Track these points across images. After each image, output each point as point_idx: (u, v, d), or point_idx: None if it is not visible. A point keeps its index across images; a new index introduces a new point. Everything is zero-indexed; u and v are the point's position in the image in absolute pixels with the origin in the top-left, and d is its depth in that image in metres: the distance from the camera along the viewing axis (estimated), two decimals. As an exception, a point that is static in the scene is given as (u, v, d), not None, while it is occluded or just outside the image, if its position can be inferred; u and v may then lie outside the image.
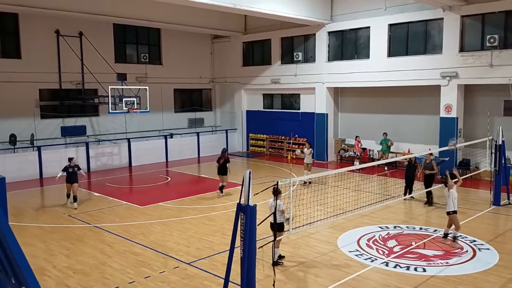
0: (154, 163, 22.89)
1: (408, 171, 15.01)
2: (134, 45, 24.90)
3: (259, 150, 26.54)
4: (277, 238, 8.34)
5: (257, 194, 6.81)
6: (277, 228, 8.38)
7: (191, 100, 27.54)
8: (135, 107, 19.82)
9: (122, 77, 20.31)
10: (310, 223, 10.79)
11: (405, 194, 14.72)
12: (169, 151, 23.98)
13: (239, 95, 27.23)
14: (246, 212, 6.55)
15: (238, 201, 6.70)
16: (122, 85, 20.18)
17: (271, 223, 8.29)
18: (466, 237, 10.92)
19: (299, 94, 24.72)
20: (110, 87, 19.64)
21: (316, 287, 8.33)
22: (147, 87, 20.89)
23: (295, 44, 24.25)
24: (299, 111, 24.75)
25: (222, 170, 15.52)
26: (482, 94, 18.77)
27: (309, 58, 23.51)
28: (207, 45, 27.97)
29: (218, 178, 15.84)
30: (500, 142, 13.92)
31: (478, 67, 17.54)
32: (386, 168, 20.43)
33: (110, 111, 19.93)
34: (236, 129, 27.46)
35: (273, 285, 6.96)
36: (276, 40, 24.88)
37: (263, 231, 7.27)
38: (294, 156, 21.08)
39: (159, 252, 10.24)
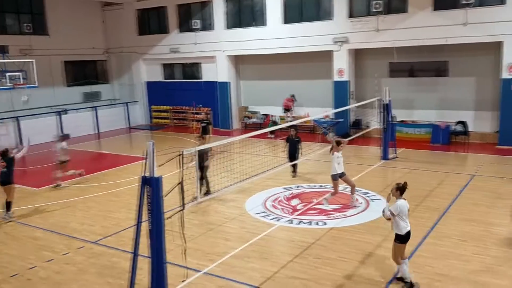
0: (48, 142, 21.34)
1: (291, 148, 13.86)
2: (14, 14, 22.53)
3: (163, 122, 26.01)
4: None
5: (161, 165, 6.72)
6: None
7: (84, 73, 25.86)
8: (21, 82, 18.15)
9: (2, 50, 18.38)
10: (218, 190, 10.96)
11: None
12: (64, 129, 22.46)
13: (137, 66, 26.18)
14: (151, 184, 6.47)
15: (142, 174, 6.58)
16: (4, 59, 18.29)
17: None
18: (360, 190, 11.90)
19: (200, 63, 24.46)
20: (-12, 61, 17.73)
21: (226, 250, 8.59)
22: (34, 60, 19.17)
23: (193, 12, 23.74)
24: (201, 80, 24.56)
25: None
26: (370, 58, 20.16)
27: (208, 26, 23.22)
28: (97, 13, 26.23)
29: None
30: (387, 102, 15.15)
31: (366, 32, 18.73)
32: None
33: (-8, 87, 18.05)
34: (137, 101, 26.50)
35: (184, 253, 7.04)
36: (172, 7, 24.13)
37: (171, 202, 7.25)
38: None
39: (61, 234, 9.76)
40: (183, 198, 6.95)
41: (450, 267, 7.36)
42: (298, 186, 12.73)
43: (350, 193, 11.08)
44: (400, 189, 6.91)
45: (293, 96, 21.53)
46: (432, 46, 17.66)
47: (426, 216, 9.90)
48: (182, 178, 8.28)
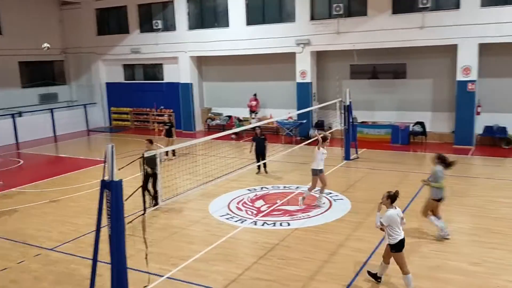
0: (1, 146, 20.45)
1: (258, 146, 13.99)
2: (-37, 11, 21.49)
3: (123, 124, 25.43)
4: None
5: (121, 168, 6.52)
6: None
7: (41, 74, 24.94)
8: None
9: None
10: (180, 193, 10.77)
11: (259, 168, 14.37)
12: (18, 132, 21.60)
13: (96, 67, 25.50)
14: (111, 188, 6.26)
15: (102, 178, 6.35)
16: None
17: None
18: (325, 191, 11.99)
19: (162, 64, 24.09)
20: None
21: (189, 254, 8.44)
22: (-15, 60, 18.32)
23: (154, 12, 23.36)
24: (163, 81, 24.19)
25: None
26: (332, 60, 20.45)
27: (170, 26, 22.91)
28: (55, 12, 25.36)
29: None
30: (348, 103, 15.40)
31: (328, 35, 18.99)
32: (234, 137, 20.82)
33: None
34: (95, 103, 25.78)
35: (146, 258, 6.86)
36: (132, 7, 23.67)
37: (132, 207, 7.05)
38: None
39: (16, 242, 9.32)
40: (144, 202, 6.78)
41: (410, 264, 7.49)
42: (262, 188, 12.71)
43: (314, 193, 11.16)
44: (391, 198, 6.66)
45: (255, 95, 21.56)
46: (391, 48, 18.10)
47: (387, 214, 10.10)
48: (143, 181, 8.12)
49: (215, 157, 15.24)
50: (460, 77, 17.02)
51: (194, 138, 21.37)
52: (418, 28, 17.13)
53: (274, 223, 9.92)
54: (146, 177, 10.56)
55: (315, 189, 11.09)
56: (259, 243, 8.92)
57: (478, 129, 17.54)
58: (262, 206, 11.12)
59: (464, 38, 16.57)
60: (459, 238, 8.80)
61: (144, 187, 10.15)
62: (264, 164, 14.13)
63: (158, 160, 8.48)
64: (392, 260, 6.84)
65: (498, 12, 15.95)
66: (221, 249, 8.65)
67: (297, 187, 12.56)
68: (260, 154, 13.94)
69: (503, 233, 8.92)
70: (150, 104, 24.07)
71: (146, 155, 6.94)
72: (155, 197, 10.87)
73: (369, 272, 7.21)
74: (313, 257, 8.14)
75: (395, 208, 6.68)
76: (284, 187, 12.78)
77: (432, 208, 8.74)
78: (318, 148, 10.76)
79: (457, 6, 16.71)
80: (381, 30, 17.77)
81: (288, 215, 10.42)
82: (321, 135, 11.09)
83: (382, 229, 6.77)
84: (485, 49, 16.86)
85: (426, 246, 8.45)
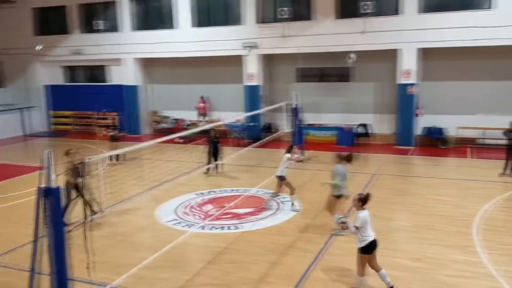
0: None
1: (212, 148, 14.35)
2: None
3: (65, 128, 24.36)
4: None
5: (59, 175, 6.20)
6: None
7: (-27, 76, 23.41)
8: None
9: None
10: (126, 199, 10.45)
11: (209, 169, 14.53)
12: (-51, 137, 20.13)
13: (34, 68, 24.30)
14: (49, 196, 5.92)
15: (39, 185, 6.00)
16: None
17: None
18: (271, 192, 12.05)
19: (106, 66, 23.34)
20: None
21: (136, 261, 8.15)
22: None
23: (97, 12, 22.61)
24: (108, 84, 23.42)
25: None
26: (280, 63, 20.67)
27: (113, 27, 22.24)
28: (-13, 10, 23.92)
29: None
30: (295, 106, 15.61)
31: (274, 38, 19.17)
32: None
33: None
34: (34, 106, 24.51)
35: (87, 268, 6.55)
36: (73, 7, 22.81)
37: (74, 215, 6.72)
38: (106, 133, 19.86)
39: None
40: (85, 209, 6.49)
41: (355, 263, 7.65)
42: (210, 192, 12.58)
43: (265, 196, 11.21)
44: (363, 200, 6.66)
45: (203, 97, 21.36)
46: (337, 52, 18.55)
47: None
48: (81, 190, 7.77)
49: (162, 161, 14.93)
50: (401, 80, 17.73)
51: (140, 142, 20.87)
52: (361, 33, 17.69)
53: (223, 227, 9.83)
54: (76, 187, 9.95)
55: (280, 194, 11.10)
56: (208, 247, 8.80)
57: (419, 130, 18.35)
58: (210, 210, 10.99)
59: (404, 43, 17.30)
60: (401, 235, 9.12)
61: (82, 195, 9.52)
62: (217, 166, 14.37)
63: (82, 169, 7.91)
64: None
65: (436, 18, 16.77)
66: (169, 256, 8.43)
67: (245, 190, 12.53)
68: (214, 156, 14.26)
69: (441, 230, 9.34)
70: (93, 107, 23.22)
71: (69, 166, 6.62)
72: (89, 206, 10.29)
73: None
74: (263, 259, 8.13)
75: (366, 210, 6.68)
76: (232, 190, 12.71)
77: (331, 203, 9.19)
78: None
79: (397, 12, 17.43)
80: (326, 35, 18.19)
81: (237, 218, 10.36)
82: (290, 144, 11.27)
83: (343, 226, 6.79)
84: (424, 54, 17.68)
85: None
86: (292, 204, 10.86)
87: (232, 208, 11.00)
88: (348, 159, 9.32)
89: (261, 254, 8.34)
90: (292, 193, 10.82)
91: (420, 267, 7.70)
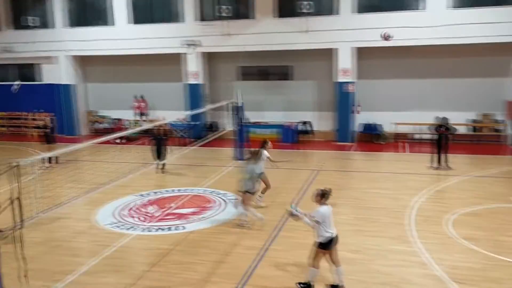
0: None
1: (158, 145, 14.24)
2: None
3: (-5, 130, 22.93)
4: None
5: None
6: None
7: None
8: None
9: None
10: (63, 203, 10.02)
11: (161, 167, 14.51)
12: None
13: (-43, 67, 22.65)
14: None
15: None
16: None
17: None
18: (219, 192, 12.05)
19: (40, 64, 22.20)
20: None
21: (75, 267, 7.85)
22: None
23: (28, 7, 21.43)
24: (41, 82, 22.30)
25: None
26: (222, 61, 20.63)
27: (47, 23, 21.20)
28: None
29: None
30: (239, 104, 15.65)
31: (216, 36, 19.11)
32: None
33: None
34: (-41, 108, 22.89)
35: (24, 276, 6.21)
36: (1, 1, 21.45)
37: (4, 222, 6.34)
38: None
39: None
40: (15, 215, 6.14)
41: (301, 257, 7.81)
42: (154, 192, 12.34)
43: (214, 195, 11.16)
44: (322, 195, 6.54)
45: (142, 96, 20.89)
46: (278, 51, 18.80)
47: (276, 211, 10.44)
48: (19, 192, 7.34)
49: (102, 163, 14.45)
50: (338, 79, 18.29)
51: (78, 143, 20.05)
52: (301, 32, 18.04)
53: (169, 228, 9.67)
54: None
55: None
56: (152, 250, 8.63)
57: (358, 127, 19.03)
58: (155, 211, 10.78)
59: (341, 42, 17.87)
60: (342, 229, 9.30)
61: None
62: (163, 164, 14.17)
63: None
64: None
65: (371, 18, 17.45)
66: (111, 260, 8.18)
67: (191, 190, 12.42)
68: (158, 153, 14.10)
69: (379, 222, 9.76)
70: (26, 108, 22.02)
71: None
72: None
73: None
74: (208, 259, 8.09)
75: (327, 206, 6.63)
76: (179, 190, 12.54)
77: (244, 199, 9.49)
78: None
79: (335, 12, 17.94)
80: (267, 33, 18.39)
81: (182, 218, 10.24)
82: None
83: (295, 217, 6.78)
84: (361, 53, 18.34)
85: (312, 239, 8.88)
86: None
87: (176, 209, 10.86)
88: (255, 153, 9.81)
89: (206, 254, 8.30)
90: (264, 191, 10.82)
91: (359, 258, 8.00)
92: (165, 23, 19.74)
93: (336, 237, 6.73)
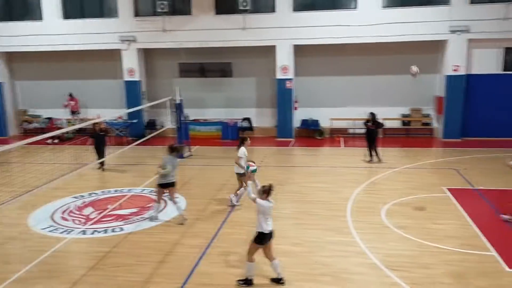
0: None
1: (98, 142, 14.03)
2: None
3: None
4: None
5: None
6: None
7: None
8: None
9: None
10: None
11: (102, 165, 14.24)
12: None
13: None
14: None
15: None
16: None
17: None
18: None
19: (-40, 60, 20.64)
20: None
21: (6, 275, 7.38)
22: None
23: None
24: (-37, 80, 20.74)
25: None
26: (160, 58, 20.24)
27: (-33, 16, 19.74)
28: None
29: None
30: (179, 101, 15.44)
31: (153, 32, 18.72)
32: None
33: None
34: None
35: None
36: None
37: None
38: None
39: None
40: None
41: (243, 253, 7.87)
42: (90, 194, 11.89)
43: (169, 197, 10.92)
44: (267, 192, 6.79)
45: (71, 95, 20.00)
46: (217, 48, 18.74)
47: (219, 208, 10.45)
48: None
49: (33, 164, 13.70)
50: (279, 75, 18.56)
51: (6, 144, 18.89)
52: (240, 29, 18.10)
53: (106, 230, 9.36)
54: None
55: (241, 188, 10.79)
56: (90, 253, 8.32)
57: (297, 122, 19.43)
58: (91, 213, 10.40)
59: (280, 40, 18.13)
60: (283, 223, 9.55)
61: None
62: (103, 162, 13.84)
63: None
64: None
65: (308, 17, 17.84)
66: (45, 265, 7.80)
67: (129, 190, 12.10)
68: (98, 150, 13.81)
69: (319, 214, 10.04)
70: None
71: None
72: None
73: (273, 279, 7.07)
74: (148, 259, 7.94)
75: (270, 202, 6.83)
76: (116, 190, 12.17)
77: (158, 193, 9.71)
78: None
79: (273, 9, 18.16)
80: (206, 30, 18.28)
81: (121, 219, 9.95)
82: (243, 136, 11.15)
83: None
84: (299, 50, 18.71)
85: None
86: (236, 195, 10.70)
87: (115, 210, 10.54)
88: (175, 149, 9.96)
89: (147, 255, 8.13)
90: (241, 187, 10.64)
91: (299, 251, 8.19)
92: (98, 18, 19.02)
93: (270, 233, 6.89)
